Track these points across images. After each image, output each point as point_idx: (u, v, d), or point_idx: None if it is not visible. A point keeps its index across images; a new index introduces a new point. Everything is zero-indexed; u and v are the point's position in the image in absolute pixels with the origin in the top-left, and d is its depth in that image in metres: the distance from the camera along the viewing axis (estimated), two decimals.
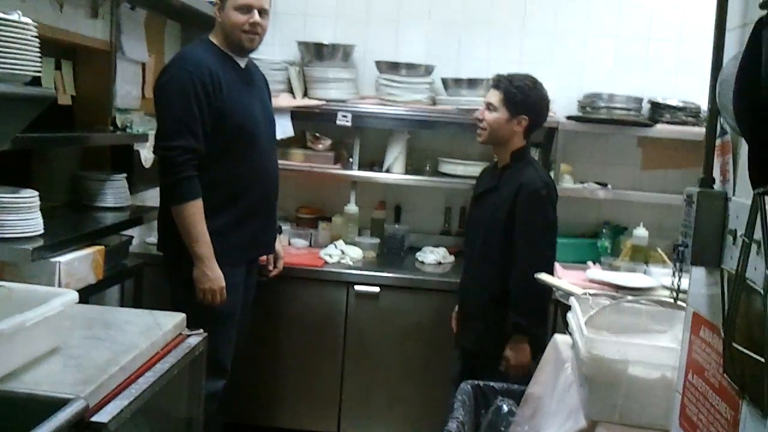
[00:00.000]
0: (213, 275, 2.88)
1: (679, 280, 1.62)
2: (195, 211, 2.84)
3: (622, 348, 1.81)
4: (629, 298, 2.14)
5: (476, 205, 3.24)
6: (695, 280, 1.56)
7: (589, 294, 2.14)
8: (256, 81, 3.19)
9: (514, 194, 2.96)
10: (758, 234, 1.22)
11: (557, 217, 3.03)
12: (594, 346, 1.82)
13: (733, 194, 1.40)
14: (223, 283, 2.91)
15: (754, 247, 1.25)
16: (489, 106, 3.06)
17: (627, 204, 4.03)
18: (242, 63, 3.07)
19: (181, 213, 2.84)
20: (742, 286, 1.25)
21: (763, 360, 1.18)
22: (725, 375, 1.35)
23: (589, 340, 1.82)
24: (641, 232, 3.86)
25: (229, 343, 3.05)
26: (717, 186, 1.48)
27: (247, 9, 2.95)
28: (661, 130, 3.87)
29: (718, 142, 1.49)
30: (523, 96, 3.01)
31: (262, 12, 2.99)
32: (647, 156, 4.06)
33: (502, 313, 2.98)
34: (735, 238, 1.35)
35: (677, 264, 1.52)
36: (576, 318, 2.03)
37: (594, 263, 3.80)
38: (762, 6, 1.19)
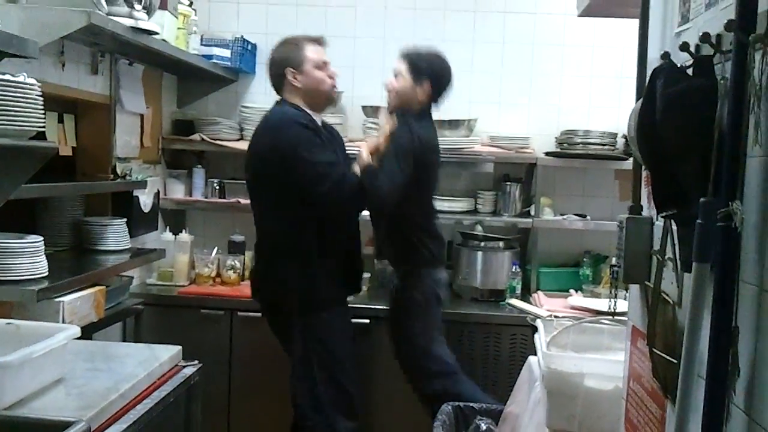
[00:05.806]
0: None
1: (615, 297, 1.78)
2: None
3: (578, 362, 1.97)
4: (589, 318, 2.30)
5: None
6: (632, 297, 1.73)
7: (554, 316, 2.30)
8: (335, 134, 3.32)
9: None
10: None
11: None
12: (552, 362, 1.98)
13: (656, 219, 1.58)
14: None
15: (670, 263, 1.43)
16: (396, 75, 3.29)
17: (606, 234, 4.07)
18: (319, 120, 3.17)
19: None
20: (658, 298, 1.42)
21: (675, 361, 1.34)
22: (654, 379, 1.52)
23: (547, 356, 1.98)
24: None
25: (353, 384, 3.08)
26: (645, 212, 1.66)
27: (324, 64, 3.15)
28: None
29: (644, 173, 1.67)
30: (426, 63, 3.26)
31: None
32: (624, 187, 4.16)
33: None
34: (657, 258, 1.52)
35: (613, 283, 1.69)
36: (540, 338, 2.19)
37: (576, 291, 3.96)
38: (662, 57, 1.38)
